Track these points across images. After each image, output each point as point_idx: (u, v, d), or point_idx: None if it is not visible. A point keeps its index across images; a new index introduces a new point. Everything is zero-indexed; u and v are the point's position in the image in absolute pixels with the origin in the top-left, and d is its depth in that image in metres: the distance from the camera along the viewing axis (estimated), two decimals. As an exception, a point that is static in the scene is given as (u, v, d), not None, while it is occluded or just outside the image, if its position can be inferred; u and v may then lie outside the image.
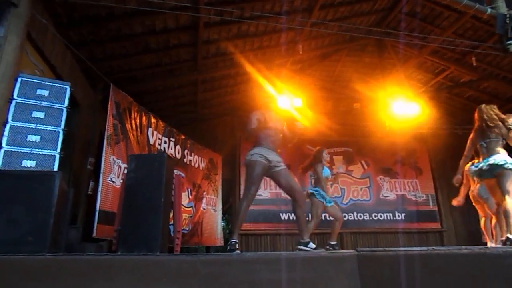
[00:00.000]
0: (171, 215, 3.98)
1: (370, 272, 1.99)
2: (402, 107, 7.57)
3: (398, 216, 8.84)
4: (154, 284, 1.85)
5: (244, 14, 5.91)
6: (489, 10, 5.06)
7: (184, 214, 6.40)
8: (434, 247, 1.88)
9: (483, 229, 5.15)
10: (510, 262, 1.79)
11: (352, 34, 7.17)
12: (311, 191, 5.16)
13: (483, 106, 3.88)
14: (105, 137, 4.90)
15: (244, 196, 3.45)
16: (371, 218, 8.67)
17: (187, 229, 6.53)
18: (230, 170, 8.43)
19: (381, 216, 8.74)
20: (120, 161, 5.07)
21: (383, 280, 1.96)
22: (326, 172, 5.35)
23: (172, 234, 4.42)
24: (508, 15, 4.83)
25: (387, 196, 8.97)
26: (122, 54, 5.86)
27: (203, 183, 7.18)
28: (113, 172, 4.93)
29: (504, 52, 5.10)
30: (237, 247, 3.13)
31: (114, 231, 3.78)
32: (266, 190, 8.47)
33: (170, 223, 3.83)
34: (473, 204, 5.07)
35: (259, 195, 8.35)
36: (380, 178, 9.10)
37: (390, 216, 8.78)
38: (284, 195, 8.42)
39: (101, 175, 4.67)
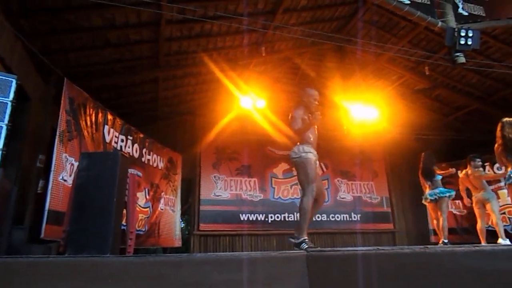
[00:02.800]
0: (125, 215, 3.87)
1: (318, 271, 2.04)
2: (360, 111, 7.83)
3: (354, 217, 9.14)
4: (99, 286, 1.79)
5: (207, 14, 5.87)
6: (440, 23, 5.36)
7: (140, 215, 6.25)
8: (379, 247, 1.96)
9: (437, 230, 5.61)
10: (447, 260, 1.90)
11: (314, 39, 7.32)
12: None
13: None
14: (57, 134, 4.67)
15: (306, 194, 3.38)
16: (328, 219, 8.90)
17: (144, 230, 6.37)
18: (190, 170, 8.33)
19: (338, 217, 9.00)
20: (73, 159, 4.85)
21: (331, 279, 2.02)
22: None
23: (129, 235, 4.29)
24: (456, 29, 5.14)
25: (344, 197, 9.24)
26: (79, 47, 5.63)
27: (161, 182, 7.04)
28: (65, 171, 4.71)
29: (452, 63, 5.42)
30: (311, 244, 3.11)
31: (63, 232, 3.61)
32: (227, 191, 8.46)
33: (123, 223, 3.72)
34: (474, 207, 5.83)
35: (218, 195, 8.33)
36: (338, 180, 9.36)
37: (346, 217, 9.05)
38: (244, 195, 8.54)
39: (51, 173, 4.44)
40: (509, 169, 4.07)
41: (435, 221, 5.91)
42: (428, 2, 5.62)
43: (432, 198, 5.71)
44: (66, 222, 3.58)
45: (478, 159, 5.97)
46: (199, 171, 8.43)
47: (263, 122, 8.71)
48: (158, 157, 7.06)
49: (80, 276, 1.84)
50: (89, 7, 4.85)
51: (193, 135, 8.66)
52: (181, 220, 10.68)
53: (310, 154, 3.55)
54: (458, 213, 8.88)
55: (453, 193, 5.79)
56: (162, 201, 7.09)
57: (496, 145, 4.32)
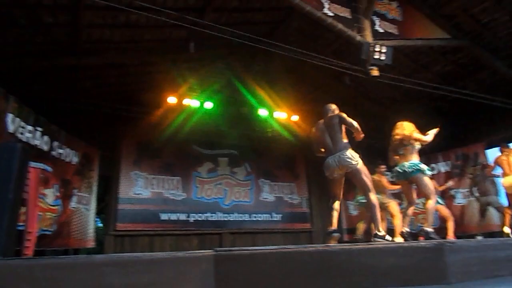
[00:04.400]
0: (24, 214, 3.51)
1: (226, 271, 2.04)
2: (284, 115, 8.09)
3: (275, 217, 9.41)
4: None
5: (133, 3, 5.59)
6: (358, 37, 5.76)
7: (48, 213, 5.72)
8: (285, 246, 2.02)
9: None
10: (345, 258, 2.03)
11: (243, 41, 7.38)
12: None
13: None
14: None
15: (372, 191, 3.73)
16: (250, 219, 9.04)
17: (51, 230, 5.84)
18: (108, 166, 7.84)
19: (260, 217, 9.19)
20: (-35, 149, 4.27)
21: (238, 279, 2.03)
22: None
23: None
24: (372, 44, 5.57)
25: (267, 198, 9.47)
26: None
27: (74, 179, 6.52)
28: (-46, 162, 4.12)
29: (366, 75, 5.86)
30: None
31: None
32: (148, 189, 8.14)
33: (21, 223, 3.37)
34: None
35: (139, 193, 7.99)
36: (261, 181, 9.56)
37: (268, 217, 9.29)
38: (166, 194, 8.30)
39: None
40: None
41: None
42: (350, 17, 6.01)
43: None
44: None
45: (382, 165, 6.58)
46: (118, 168, 7.98)
47: (191, 120, 8.58)
48: (72, 151, 6.54)
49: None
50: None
51: (113, 130, 8.17)
52: (97, 220, 10.07)
53: None
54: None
55: None
56: (74, 198, 6.57)
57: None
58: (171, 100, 8.15)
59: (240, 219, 8.89)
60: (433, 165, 8.74)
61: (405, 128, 4.38)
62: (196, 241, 8.39)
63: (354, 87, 8.96)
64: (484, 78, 7.88)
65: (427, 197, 4.07)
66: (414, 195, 4.35)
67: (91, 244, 7.17)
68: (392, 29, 6.56)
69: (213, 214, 8.65)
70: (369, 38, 5.82)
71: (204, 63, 8.39)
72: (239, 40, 6.38)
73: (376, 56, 5.54)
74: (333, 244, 3.00)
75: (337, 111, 4.14)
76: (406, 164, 4.21)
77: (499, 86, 7.54)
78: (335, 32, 6.31)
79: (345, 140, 3.94)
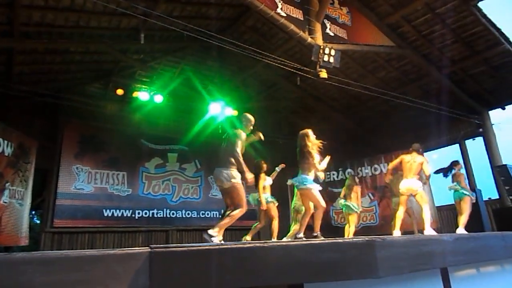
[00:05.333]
0: None
1: (162, 268, 1.99)
2: (236, 112, 8.09)
3: (225, 214, 9.38)
4: None
5: (79, -14, 5.30)
6: (309, 39, 5.89)
7: (-26, 208, 5.26)
8: (223, 242, 2.01)
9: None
10: (282, 253, 2.06)
11: (196, 35, 7.27)
12: None
13: None
14: None
15: None
16: (198, 216, 8.94)
17: (-23, 226, 5.38)
18: (47, 159, 7.34)
19: (208, 214, 9.11)
20: None
21: (174, 276, 1.99)
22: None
23: None
24: (322, 47, 5.72)
25: (216, 195, 9.40)
26: None
27: (7, 171, 6.03)
28: None
29: (316, 77, 6.02)
30: None
31: None
32: (90, 184, 7.75)
33: None
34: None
35: (80, 188, 7.60)
36: (211, 178, 9.47)
37: (217, 214, 9.23)
38: (110, 190, 7.95)
39: None
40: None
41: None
42: (302, 19, 6.12)
43: None
44: None
45: None
46: (58, 160, 7.51)
47: (139, 113, 8.30)
48: (5, 141, 6.04)
49: None
50: None
51: (53, 120, 7.69)
52: (34, 216, 9.45)
53: None
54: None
55: None
56: (6, 193, 6.08)
57: None
58: (119, 91, 7.83)
59: (188, 216, 8.76)
60: (376, 165, 9.16)
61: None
62: (142, 238, 8.15)
63: (304, 88, 9.18)
64: (425, 85, 8.41)
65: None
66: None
67: (24, 241, 6.70)
68: (342, 34, 6.77)
69: (160, 211, 8.44)
70: (319, 40, 5.96)
71: (155, 56, 8.16)
72: (191, 34, 6.29)
73: (326, 59, 5.69)
74: (271, 241, 3.05)
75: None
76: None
77: (440, 93, 8.02)
78: (287, 33, 6.41)
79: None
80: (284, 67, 7.12)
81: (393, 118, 9.35)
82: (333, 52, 5.80)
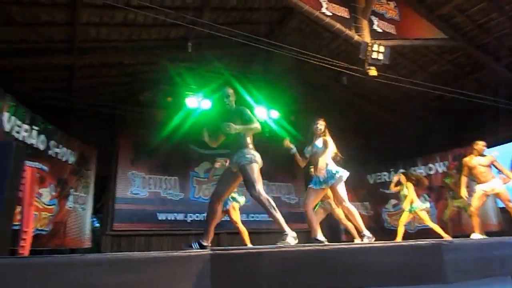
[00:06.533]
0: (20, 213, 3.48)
1: (223, 270, 2.02)
2: (281, 115, 8.08)
3: (276, 217, 9.36)
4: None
5: (130, 2, 5.57)
6: (356, 37, 5.76)
7: (43, 213, 5.69)
8: (281, 245, 2.00)
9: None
10: (341, 257, 2.02)
11: (241, 40, 7.37)
12: None
13: None
14: None
15: None
16: (247, 218, 9.00)
17: (47, 229, 5.81)
18: (105, 166, 7.81)
19: (257, 217, 9.15)
20: (-40, 148, 4.24)
21: (234, 278, 2.01)
22: None
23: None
24: (370, 44, 5.57)
25: (266, 198, 9.44)
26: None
27: (70, 178, 6.48)
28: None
29: (365, 75, 5.86)
30: None
31: None
32: (145, 189, 8.10)
33: (17, 222, 3.34)
34: None
35: (136, 193, 7.95)
36: (260, 181, 9.52)
37: (265, 217, 9.18)
38: (163, 194, 8.25)
39: None
40: None
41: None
42: (348, 17, 6.00)
43: None
44: None
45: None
46: (115, 167, 7.95)
47: (188, 119, 8.55)
48: (69, 150, 6.50)
49: None
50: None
51: (110, 129, 8.15)
52: (94, 220, 10.01)
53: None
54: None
55: None
56: (71, 198, 6.53)
57: None
58: (168, 99, 8.13)
59: (238, 219, 8.85)
60: (430, 165, 8.74)
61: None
62: (194, 241, 8.35)
63: (351, 87, 8.96)
64: (481, 78, 7.89)
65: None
66: None
67: (87, 244, 7.14)
68: (390, 29, 6.55)
69: (203, 214, 8.61)
70: (367, 37, 5.81)
71: (202, 63, 8.37)
72: (237, 39, 6.40)
73: (374, 56, 5.54)
74: (329, 244, 2.99)
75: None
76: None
77: (498, 86, 7.53)
78: (333, 32, 6.31)
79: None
80: (331, 67, 7.02)
81: (446, 114, 8.85)
82: (382, 49, 5.62)
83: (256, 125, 3.35)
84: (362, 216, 9.47)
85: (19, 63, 6.11)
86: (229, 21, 7.02)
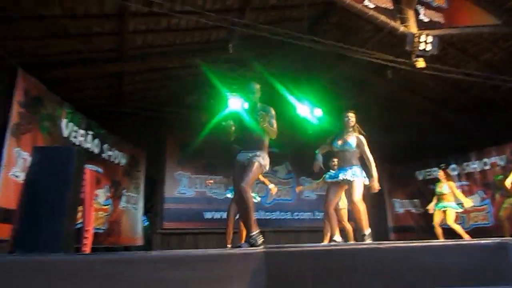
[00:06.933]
0: (81, 213, 3.71)
1: (277, 268, 2.04)
2: (323, 113, 7.96)
3: (318, 215, 9.28)
4: (46, 285, 1.70)
5: (174, 8, 5.75)
6: (401, 29, 5.55)
7: (100, 213, 6.04)
8: (335, 243, 1.98)
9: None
10: (401, 256, 1.96)
11: (281, 38, 7.35)
12: None
13: None
14: (9, 127, 4.41)
15: None
16: (292, 217, 8.99)
17: (103, 228, 6.16)
18: (154, 167, 8.14)
19: (301, 215, 9.11)
20: (27, 153, 4.60)
21: (289, 275, 2.03)
22: None
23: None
24: (417, 35, 5.34)
25: (308, 196, 9.37)
26: (34, 36, 5.34)
27: (123, 180, 6.82)
28: (17, 166, 4.45)
29: (412, 67, 5.63)
30: None
31: (12, 230, 3.41)
32: (191, 189, 8.34)
33: (79, 221, 3.57)
34: None
35: (183, 193, 8.20)
36: (303, 179, 9.47)
37: (310, 215, 9.19)
38: (209, 193, 8.44)
39: (1, 168, 4.19)
40: None
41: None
42: (392, 7, 5.80)
43: None
44: (15, 220, 3.38)
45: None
46: (163, 168, 8.25)
47: (230, 120, 8.66)
48: (120, 153, 6.85)
49: (26, 276, 1.73)
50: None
51: (157, 132, 8.47)
52: (144, 219, 10.43)
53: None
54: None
55: None
56: (123, 198, 6.89)
57: None
58: (211, 101, 8.28)
59: (282, 217, 8.87)
60: (485, 159, 8.24)
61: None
62: (239, 240, 8.46)
63: (396, 81, 8.64)
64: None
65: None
66: None
67: (139, 242, 7.48)
68: (438, 18, 6.25)
69: (256, 213, 8.64)
70: (413, 28, 5.58)
71: (242, 63, 8.45)
72: (278, 37, 6.42)
73: (422, 47, 5.31)
74: (387, 242, 2.91)
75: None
76: None
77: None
78: (376, 25, 6.11)
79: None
80: (375, 60, 6.82)
81: (502, 106, 8.30)
82: (429, 39, 5.38)
83: (276, 131, 3.44)
84: (411, 214, 9.18)
85: (74, 73, 6.49)
86: (269, 20, 7.03)
